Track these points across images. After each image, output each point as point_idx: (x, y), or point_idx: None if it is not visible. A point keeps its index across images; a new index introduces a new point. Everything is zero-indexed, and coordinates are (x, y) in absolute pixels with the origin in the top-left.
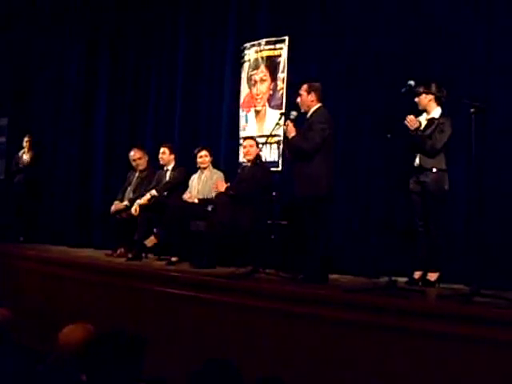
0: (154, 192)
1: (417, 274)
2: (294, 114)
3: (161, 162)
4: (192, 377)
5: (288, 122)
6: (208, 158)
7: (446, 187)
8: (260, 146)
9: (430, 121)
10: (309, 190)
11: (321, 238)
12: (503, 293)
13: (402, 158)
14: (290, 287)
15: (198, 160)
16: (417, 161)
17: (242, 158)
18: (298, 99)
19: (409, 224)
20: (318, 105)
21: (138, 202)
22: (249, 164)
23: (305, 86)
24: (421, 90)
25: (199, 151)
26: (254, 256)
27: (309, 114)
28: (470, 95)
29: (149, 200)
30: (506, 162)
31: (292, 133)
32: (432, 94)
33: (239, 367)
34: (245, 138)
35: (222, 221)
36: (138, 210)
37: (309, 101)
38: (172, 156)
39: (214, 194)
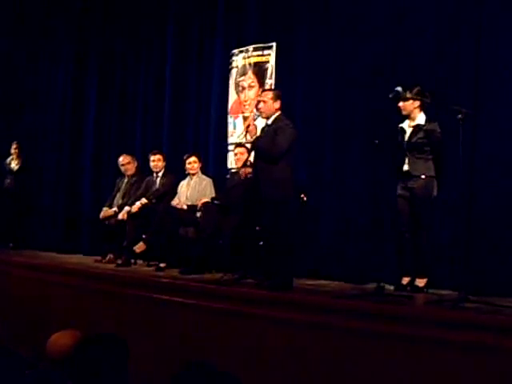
0: (144, 200)
1: (405, 280)
2: (257, 115)
3: (155, 170)
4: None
5: (252, 121)
6: (197, 165)
7: (435, 193)
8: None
9: (416, 127)
10: (276, 193)
11: (286, 242)
12: (491, 298)
13: (390, 163)
14: (278, 294)
15: (187, 166)
16: (405, 167)
17: (230, 164)
18: (261, 105)
19: (396, 230)
20: (279, 112)
21: (127, 208)
22: (238, 171)
23: (270, 94)
24: (408, 95)
25: (188, 157)
26: (243, 262)
27: (270, 121)
28: (458, 101)
29: (139, 208)
30: (494, 168)
31: (256, 133)
32: (420, 100)
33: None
34: (236, 146)
35: (208, 228)
36: (125, 215)
37: (273, 108)
38: (164, 163)
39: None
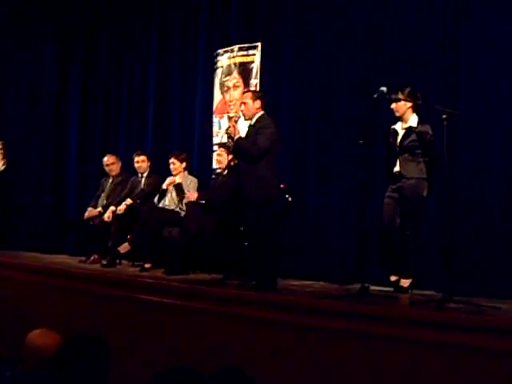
0: (129, 201)
1: (393, 278)
2: (238, 116)
3: (139, 171)
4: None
5: (232, 122)
6: (177, 165)
7: (425, 195)
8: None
9: (408, 129)
10: (258, 193)
11: (270, 242)
12: (474, 299)
13: (376, 164)
14: (262, 294)
15: (170, 166)
16: (396, 168)
17: (215, 165)
18: (242, 107)
19: (383, 230)
20: (262, 112)
21: (112, 208)
22: (223, 171)
23: (249, 94)
24: (401, 96)
25: (170, 158)
26: (227, 262)
27: (253, 121)
28: (440, 101)
29: (125, 210)
30: (476, 169)
31: (237, 134)
32: (411, 101)
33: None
34: (219, 146)
35: (192, 228)
36: (110, 216)
37: (254, 108)
38: (149, 163)
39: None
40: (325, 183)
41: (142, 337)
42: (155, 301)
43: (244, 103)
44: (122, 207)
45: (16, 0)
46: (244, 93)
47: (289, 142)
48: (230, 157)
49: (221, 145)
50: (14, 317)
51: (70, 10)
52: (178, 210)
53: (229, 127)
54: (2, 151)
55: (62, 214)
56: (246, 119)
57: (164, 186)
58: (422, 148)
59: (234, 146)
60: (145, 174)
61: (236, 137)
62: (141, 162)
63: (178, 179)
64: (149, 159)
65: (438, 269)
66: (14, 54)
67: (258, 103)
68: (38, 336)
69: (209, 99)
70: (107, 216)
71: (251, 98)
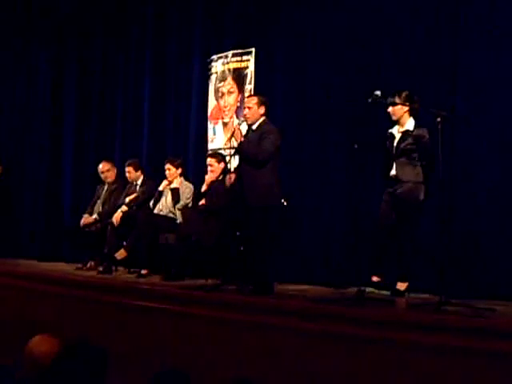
0: (124, 208)
1: (375, 278)
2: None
3: (129, 180)
4: None
5: (236, 126)
6: (172, 171)
7: (421, 198)
8: (227, 158)
9: (405, 133)
10: (261, 199)
11: (267, 247)
12: (471, 302)
13: (369, 167)
14: (258, 299)
15: (166, 172)
16: (392, 172)
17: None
18: (247, 111)
19: (379, 234)
20: (264, 118)
21: (116, 215)
22: (218, 177)
23: (255, 99)
24: (397, 100)
25: (165, 164)
26: (224, 268)
27: (255, 126)
28: (435, 104)
29: (120, 217)
30: (473, 172)
31: (241, 138)
32: (408, 105)
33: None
34: (208, 156)
35: (190, 233)
36: (118, 218)
37: (258, 113)
38: (138, 172)
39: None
40: (320, 188)
41: (140, 343)
42: (152, 307)
43: (249, 107)
44: (117, 215)
45: (9, 9)
46: (249, 97)
47: (283, 147)
48: (223, 164)
49: (212, 154)
50: (10, 324)
51: (63, 17)
52: (171, 215)
53: (234, 131)
54: None
55: (58, 221)
56: (248, 123)
57: (161, 188)
58: (419, 152)
59: (238, 149)
60: (139, 182)
61: (239, 140)
62: (127, 173)
63: (175, 184)
64: (137, 168)
65: (435, 272)
66: (8, 62)
67: (262, 109)
68: (36, 343)
69: (203, 105)
70: (115, 218)
71: (256, 104)
